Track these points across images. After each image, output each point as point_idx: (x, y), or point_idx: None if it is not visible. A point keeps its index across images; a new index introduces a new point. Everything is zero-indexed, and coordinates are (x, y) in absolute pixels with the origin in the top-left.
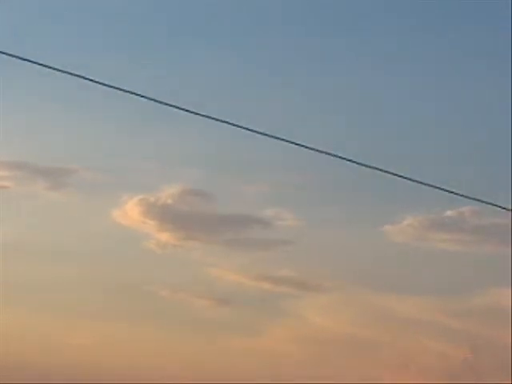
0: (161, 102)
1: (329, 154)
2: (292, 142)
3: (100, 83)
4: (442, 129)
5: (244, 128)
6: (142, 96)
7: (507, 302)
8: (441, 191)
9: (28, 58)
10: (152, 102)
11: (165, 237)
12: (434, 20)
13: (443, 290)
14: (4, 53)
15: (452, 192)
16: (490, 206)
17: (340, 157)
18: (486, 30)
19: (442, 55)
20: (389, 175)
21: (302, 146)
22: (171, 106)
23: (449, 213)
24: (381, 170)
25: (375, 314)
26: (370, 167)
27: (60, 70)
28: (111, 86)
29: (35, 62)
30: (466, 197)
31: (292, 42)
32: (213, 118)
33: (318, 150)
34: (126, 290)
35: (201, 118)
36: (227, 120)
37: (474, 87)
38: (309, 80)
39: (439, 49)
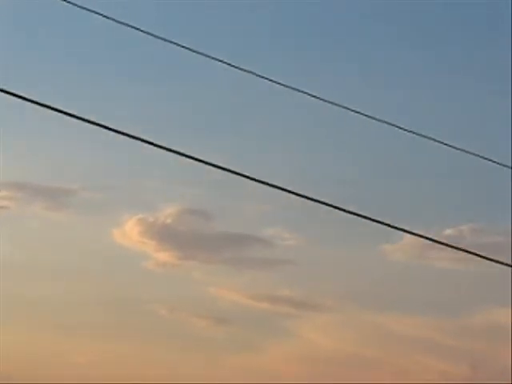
0: None
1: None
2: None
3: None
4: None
5: None
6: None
7: (507, 321)
8: (440, 210)
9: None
10: (151, 119)
11: (164, 256)
12: (433, 33)
13: (443, 309)
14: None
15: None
16: (489, 224)
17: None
18: (485, 45)
19: (440, 69)
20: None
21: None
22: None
23: (448, 231)
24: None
25: (375, 333)
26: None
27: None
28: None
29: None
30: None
31: (293, 55)
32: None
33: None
34: (125, 309)
35: (199, 136)
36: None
37: (474, 103)
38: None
39: (438, 62)
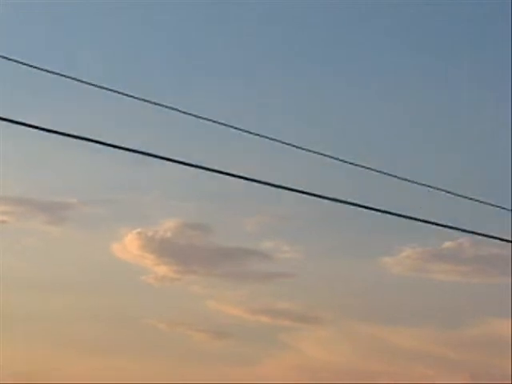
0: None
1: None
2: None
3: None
4: (440, 158)
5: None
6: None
7: (507, 333)
8: (439, 222)
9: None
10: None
11: (163, 270)
12: (432, 49)
13: (442, 321)
14: None
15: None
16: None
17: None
18: (485, 60)
19: (439, 84)
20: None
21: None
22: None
23: (447, 244)
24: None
25: (374, 346)
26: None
27: None
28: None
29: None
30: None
31: (290, 76)
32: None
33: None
34: (124, 324)
35: (198, 150)
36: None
37: (474, 118)
38: (306, 112)
39: (438, 77)
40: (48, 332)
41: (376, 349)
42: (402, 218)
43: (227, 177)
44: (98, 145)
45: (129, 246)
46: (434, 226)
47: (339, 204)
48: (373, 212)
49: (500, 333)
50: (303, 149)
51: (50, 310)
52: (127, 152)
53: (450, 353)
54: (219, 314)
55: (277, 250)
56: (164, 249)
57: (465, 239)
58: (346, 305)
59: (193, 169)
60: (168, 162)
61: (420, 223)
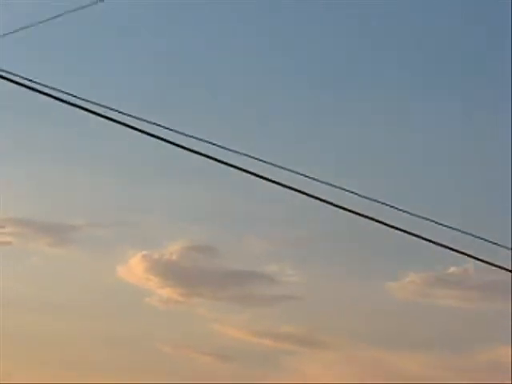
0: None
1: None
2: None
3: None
4: (444, 182)
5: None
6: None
7: (510, 359)
8: (444, 248)
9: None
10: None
11: (168, 293)
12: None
13: (446, 347)
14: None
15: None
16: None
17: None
18: (485, 82)
19: (440, 106)
20: (390, 230)
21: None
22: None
23: (452, 269)
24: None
25: (378, 370)
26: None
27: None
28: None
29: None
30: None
31: (292, 94)
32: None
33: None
34: (128, 346)
35: (204, 173)
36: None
37: (476, 140)
38: (306, 129)
39: (439, 99)
40: (51, 354)
41: (380, 373)
42: (406, 243)
43: (231, 198)
44: (102, 165)
45: (134, 268)
46: (438, 251)
47: (343, 228)
48: (377, 236)
49: (504, 359)
50: None
51: (53, 332)
52: (132, 173)
53: (454, 379)
54: (224, 337)
55: (282, 274)
56: (169, 271)
57: (470, 265)
58: (351, 329)
59: (197, 191)
60: (174, 184)
61: (424, 248)
